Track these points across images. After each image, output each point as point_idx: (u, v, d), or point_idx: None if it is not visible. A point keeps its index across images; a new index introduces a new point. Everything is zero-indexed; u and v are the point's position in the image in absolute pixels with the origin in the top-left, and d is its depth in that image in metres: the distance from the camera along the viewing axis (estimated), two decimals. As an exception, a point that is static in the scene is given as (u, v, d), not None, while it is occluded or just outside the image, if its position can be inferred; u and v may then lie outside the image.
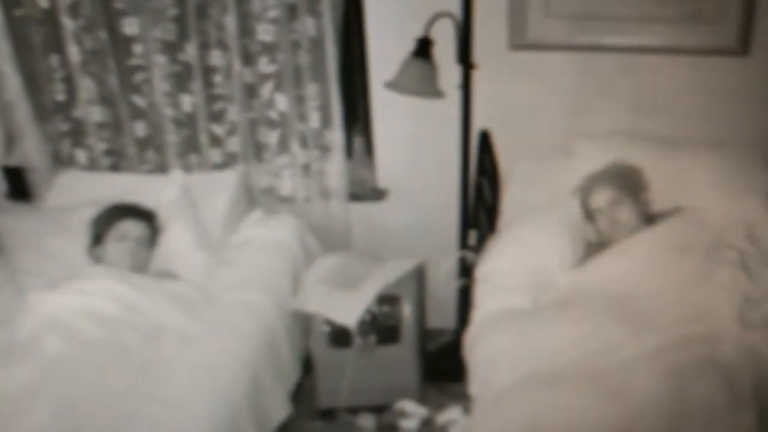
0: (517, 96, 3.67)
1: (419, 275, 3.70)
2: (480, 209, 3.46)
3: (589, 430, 2.45)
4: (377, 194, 3.96)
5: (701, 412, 2.43)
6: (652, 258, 3.07)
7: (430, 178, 3.88)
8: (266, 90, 3.76)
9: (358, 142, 3.94)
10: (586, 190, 3.33)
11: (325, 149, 3.86)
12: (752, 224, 3.18)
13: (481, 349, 2.90)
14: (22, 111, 3.85)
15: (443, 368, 3.76)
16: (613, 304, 2.92)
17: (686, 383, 2.50)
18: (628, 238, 3.17)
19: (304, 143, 3.83)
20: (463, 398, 3.26)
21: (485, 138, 3.56)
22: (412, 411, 3.60)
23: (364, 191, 3.97)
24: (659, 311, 2.86)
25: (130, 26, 3.69)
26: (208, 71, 3.75)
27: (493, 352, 2.85)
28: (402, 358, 3.56)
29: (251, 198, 3.92)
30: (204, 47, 3.69)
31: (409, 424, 3.56)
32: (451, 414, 3.57)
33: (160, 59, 3.72)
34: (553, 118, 3.71)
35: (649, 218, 3.28)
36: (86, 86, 3.80)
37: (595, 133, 3.63)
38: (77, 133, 3.95)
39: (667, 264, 3.02)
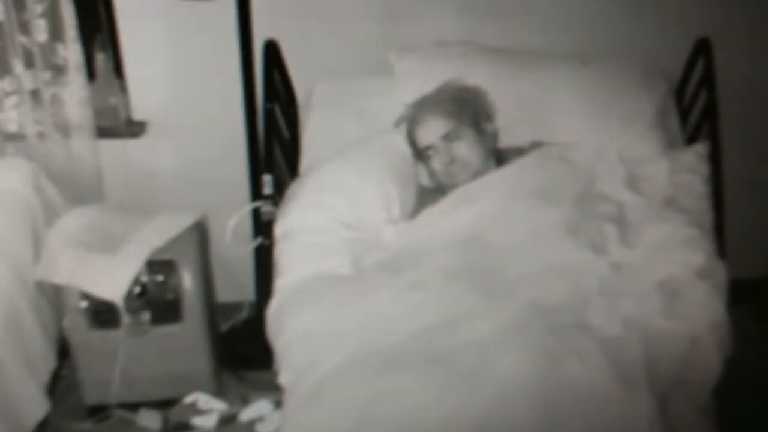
0: (315, -4, 3.49)
1: (200, 234, 3.48)
2: (274, 146, 3.22)
3: (438, 424, 2.24)
4: (133, 128, 3.71)
5: (583, 400, 2.26)
6: (503, 207, 2.91)
7: (205, 106, 3.67)
8: (-31, -9, 3.42)
9: (101, 59, 3.60)
10: (413, 121, 3.16)
11: (58, 70, 3.55)
12: (633, 164, 3.09)
13: (291, 328, 2.68)
14: None
15: (243, 352, 3.62)
16: (457, 264, 2.73)
17: (561, 364, 2.32)
18: (472, 182, 2.99)
19: (29, 62, 3.49)
20: (272, 389, 3.03)
21: (272, 51, 3.31)
22: (206, 406, 3.46)
23: (116, 124, 3.68)
24: (516, 273, 2.67)
25: None
26: None
27: (307, 330, 2.63)
28: (187, 341, 3.39)
29: (-35, 137, 3.57)
30: None
31: (204, 421, 3.41)
32: (258, 409, 3.44)
33: None
34: (363, 24, 3.52)
35: (499, 156, 3.14)
36: None
37: (421, 45, 3.44)
38: None
39: (525, 214, 2.87)
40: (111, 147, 3.69)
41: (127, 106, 3.70)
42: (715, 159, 3.16)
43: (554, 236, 2.78)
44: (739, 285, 2.71)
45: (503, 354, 2.36)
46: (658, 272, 2.68)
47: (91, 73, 3.62)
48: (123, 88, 3.68)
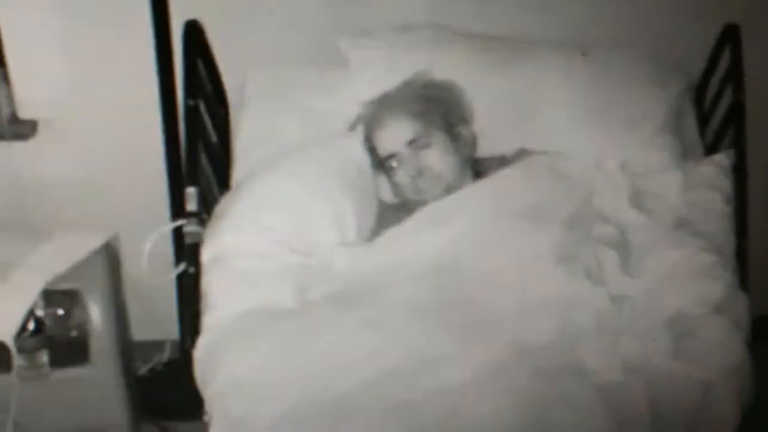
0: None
1: (110, 258, 3.63)
2: (199, 152, 3.37)
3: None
4: (20, 128, 3.83)
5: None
6: (482, 228, 3.09)
7: (111, 102, 3.80)
8: None
9: (-25, 45, 3.73)
10: (372, 123, 3.34)
11: None
12: (639, 177, 3.27)
13: (225, 372, 2.83)
14: None
15: (166, 400, 3.76)
16: (425, 298, 2.92)
17: (549, 413, 2.52)
18: (444, 198, 3.18)
19: None
20: (202, 443, 3.25)
21: (194, 34, 3.48)
22: (123, 461, 3.57)
23: (-2, 124, 3.79)
24: (497, 307, 2.87)
25: None
26: None
27: (243, 376, 2.79)
28: (96, 387, 3.51)
29: None
30: None
31: (122, 484, 3.55)
32: (186, 467, 3.55)
33: None
34: (309, 1, 3.68)
35: (477, 167, 3.33)
36: None
37: (380, 29, 3.61)
38: None
39: (507, 237, 3.06)
40: (-8, 151, 3.76)
41: (10, 101, 3.80)
42: (739, 172, 3.30)
43: (543, 264, 2.96)
44: (763, 321, 2.92)
45: (480, 402, 2.52)
46: (667, 306, 2.87)
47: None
48: (5, 78, 3.78)
